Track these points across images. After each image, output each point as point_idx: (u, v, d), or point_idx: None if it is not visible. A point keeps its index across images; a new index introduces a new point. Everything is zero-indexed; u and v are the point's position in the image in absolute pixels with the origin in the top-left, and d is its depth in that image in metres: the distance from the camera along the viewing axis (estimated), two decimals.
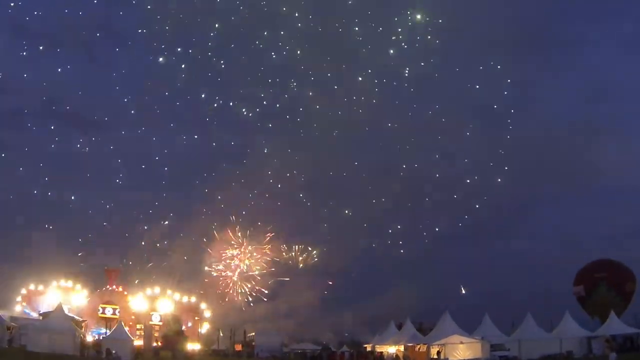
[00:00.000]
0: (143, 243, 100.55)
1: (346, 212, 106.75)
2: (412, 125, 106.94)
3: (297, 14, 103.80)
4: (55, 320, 65.96)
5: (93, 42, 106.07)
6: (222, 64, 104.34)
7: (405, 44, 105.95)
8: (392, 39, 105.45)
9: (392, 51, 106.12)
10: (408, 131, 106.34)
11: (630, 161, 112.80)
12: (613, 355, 49.54)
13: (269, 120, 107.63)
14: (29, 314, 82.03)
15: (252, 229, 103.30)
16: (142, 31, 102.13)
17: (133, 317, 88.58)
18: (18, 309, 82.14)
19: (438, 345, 68.22)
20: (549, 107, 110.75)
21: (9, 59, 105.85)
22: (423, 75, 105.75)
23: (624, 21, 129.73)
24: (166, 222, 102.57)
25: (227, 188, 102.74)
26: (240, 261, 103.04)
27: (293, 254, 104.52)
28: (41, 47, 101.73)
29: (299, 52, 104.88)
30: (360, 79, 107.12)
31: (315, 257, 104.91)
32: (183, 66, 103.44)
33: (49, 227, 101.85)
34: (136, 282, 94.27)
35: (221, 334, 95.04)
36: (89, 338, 77.98)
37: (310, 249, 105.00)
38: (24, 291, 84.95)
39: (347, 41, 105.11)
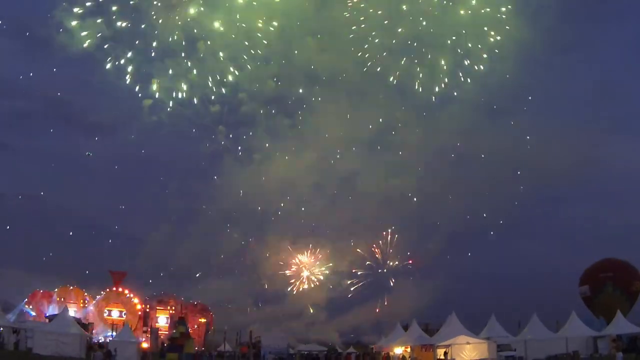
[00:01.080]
0: (150, 245, 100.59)
1: (354, 212, 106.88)
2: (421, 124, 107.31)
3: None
4: (62, 323, 66.01)
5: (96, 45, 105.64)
6: (232, 69, 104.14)
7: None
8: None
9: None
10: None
11: (636, 159, 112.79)
12: (619, 355, 49.36)
13: (279, 129, 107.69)
14: (35, 316, 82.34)
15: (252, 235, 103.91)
16: (148, 37, 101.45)
17: (139, 319, 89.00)
18: (24, 312, 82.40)
19: (445, 346, 68.09)
20: (554, 107, 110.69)
21: (14, 62, 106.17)
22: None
23: (625, 22, 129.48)
24: (172, 224, 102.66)
25: (232, 191, 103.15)
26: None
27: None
28: (46, 50, 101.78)
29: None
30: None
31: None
32: (190, 70, 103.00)
33: (54, 230, 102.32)
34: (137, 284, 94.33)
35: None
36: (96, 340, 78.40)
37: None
38: (30, 294, 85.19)
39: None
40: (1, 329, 61.36)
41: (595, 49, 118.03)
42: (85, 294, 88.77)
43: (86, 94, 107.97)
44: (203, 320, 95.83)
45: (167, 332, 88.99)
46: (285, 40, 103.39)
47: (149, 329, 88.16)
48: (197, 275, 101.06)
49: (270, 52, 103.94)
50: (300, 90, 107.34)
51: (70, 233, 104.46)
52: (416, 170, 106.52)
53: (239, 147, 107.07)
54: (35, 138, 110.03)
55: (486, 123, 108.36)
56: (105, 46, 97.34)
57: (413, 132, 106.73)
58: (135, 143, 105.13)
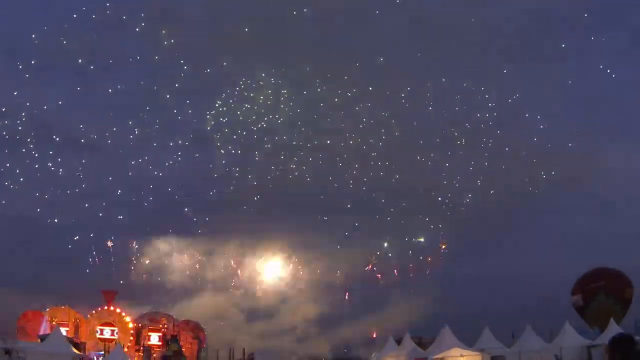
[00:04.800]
0: (141, 263, 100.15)
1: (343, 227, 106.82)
2: (401, 140, 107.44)
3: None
4: (54, 343, 65.84)
5: (87, 65, 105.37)
6: (221, 86, 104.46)
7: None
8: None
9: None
10: (398, 146, 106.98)
11: (627, 168, 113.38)
12: None
13: (268, 140, 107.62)
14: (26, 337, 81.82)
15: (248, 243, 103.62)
16: (137, 55, 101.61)
17: (131, 337, 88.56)
18: (15, 332, 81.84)
19: (438, 359, 68.09)
20: (545, 117, 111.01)
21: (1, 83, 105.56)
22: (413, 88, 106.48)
23: (616, 30, 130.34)
24: (164, 242, 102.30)
25: (226, 206, 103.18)
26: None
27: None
28: (33, 71, 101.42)
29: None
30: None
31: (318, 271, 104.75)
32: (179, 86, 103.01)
33: (44, 249, 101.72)
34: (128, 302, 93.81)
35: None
36: None
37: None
38: (21, 314, 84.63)
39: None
40: None
41: (583, 60, 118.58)
42: (77, 313, 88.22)
43: (74, 114, 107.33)
44: (195, 338, 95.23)
45: (159, 350, 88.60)
46: None
47: (142, 348, 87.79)
48: (190, 292, 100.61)
49: None
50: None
51: (61, 251, 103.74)
52: (400, 182, 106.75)
53: (232, 164, 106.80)
54: (23, 158, 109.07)
55: (472, 131, 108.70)
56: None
57: (401, 142, 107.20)
58: (125, 162, 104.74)
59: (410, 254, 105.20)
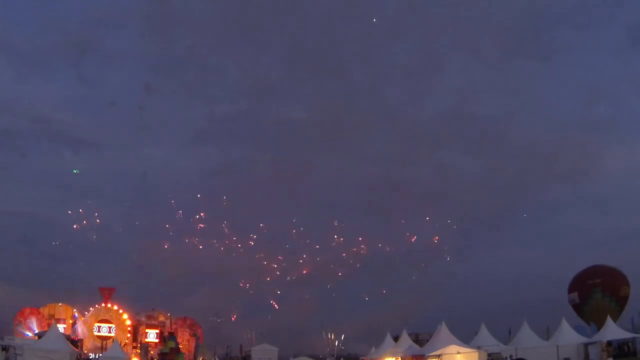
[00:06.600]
0: (138, 260, 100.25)
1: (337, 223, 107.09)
2: (403, 136, 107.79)
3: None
4: (51, 340, 65.81)
5: (81, 61, 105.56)
6: (215, 80, 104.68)
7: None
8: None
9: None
10: (399, 142, 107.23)
11: (624, 166, 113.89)
12: None
13: (263, 138, 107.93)
14: (24, 334, 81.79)
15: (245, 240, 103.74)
16: (132, 50, 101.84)
17: (129, 335, 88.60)
18: (13, 329, 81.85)
19: (435, 356, 67.97)
20: (542, 114, 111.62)
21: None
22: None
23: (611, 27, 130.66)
24: (161, 238, 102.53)
25: (221, 203, 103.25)
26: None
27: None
28: (29, 67, 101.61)
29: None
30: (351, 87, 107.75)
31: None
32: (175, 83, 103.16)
33: (42, 246, 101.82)
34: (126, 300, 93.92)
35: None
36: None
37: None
38: (18, 311, 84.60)
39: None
40: None
41: (577, 55, 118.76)
42: (74, 310, 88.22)
43: (70, 110, 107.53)
44: (193, 334, 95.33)
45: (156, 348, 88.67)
46: None
47: (139, 345, 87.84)
48: (187, 289, 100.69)
49: None
50: None
51: (58, 249, 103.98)
52: (399, 180, 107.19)
53: (227, 160, 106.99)
54: (20, 154, 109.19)
55: (470, 131, 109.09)
56: None
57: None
58: (119, 158, 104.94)
59: (408, 251, 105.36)
